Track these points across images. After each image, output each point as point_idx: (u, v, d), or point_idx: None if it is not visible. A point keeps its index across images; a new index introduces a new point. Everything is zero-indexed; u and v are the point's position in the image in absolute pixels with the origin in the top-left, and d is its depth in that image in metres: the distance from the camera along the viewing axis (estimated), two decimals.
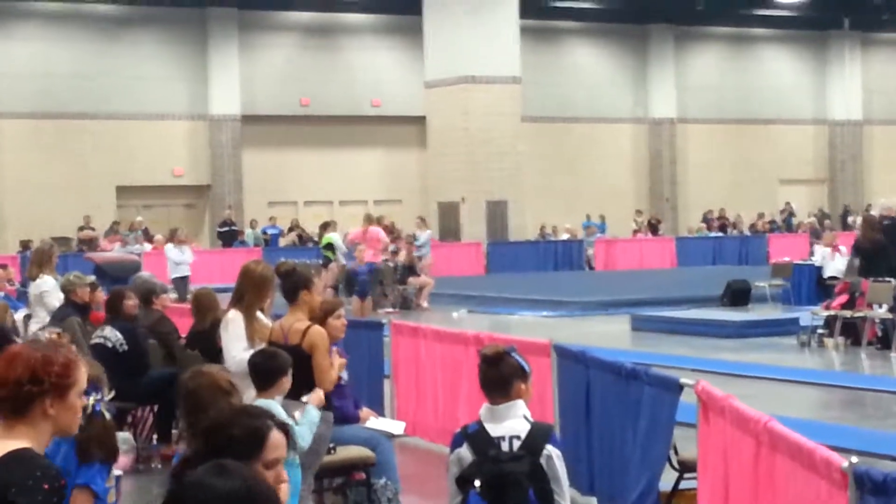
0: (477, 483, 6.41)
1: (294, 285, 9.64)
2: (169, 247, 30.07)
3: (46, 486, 3.78)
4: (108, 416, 6.09)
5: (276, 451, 4.25)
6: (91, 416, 5.84)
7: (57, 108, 43.37)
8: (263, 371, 8.20)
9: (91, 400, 5.80)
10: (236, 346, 9.61)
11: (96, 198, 43.46)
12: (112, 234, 39.34)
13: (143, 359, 13.12)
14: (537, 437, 6.54)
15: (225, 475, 3.53)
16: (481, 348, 7.01)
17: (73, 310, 14.08)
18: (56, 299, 15.06)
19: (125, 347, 12.87)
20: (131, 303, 13.40)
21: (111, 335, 12.92)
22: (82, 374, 4.15)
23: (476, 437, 6.55)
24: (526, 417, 6.62)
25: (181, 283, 29.23)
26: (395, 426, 10.60)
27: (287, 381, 8.17)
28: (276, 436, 4.28)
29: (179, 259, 29.50)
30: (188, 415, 6.51)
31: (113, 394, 11.78)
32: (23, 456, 3.88)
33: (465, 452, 6.55)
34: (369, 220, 30.38)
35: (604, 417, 9.92)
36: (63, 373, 4.07)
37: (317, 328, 9.37)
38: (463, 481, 6.48)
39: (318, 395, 8.73)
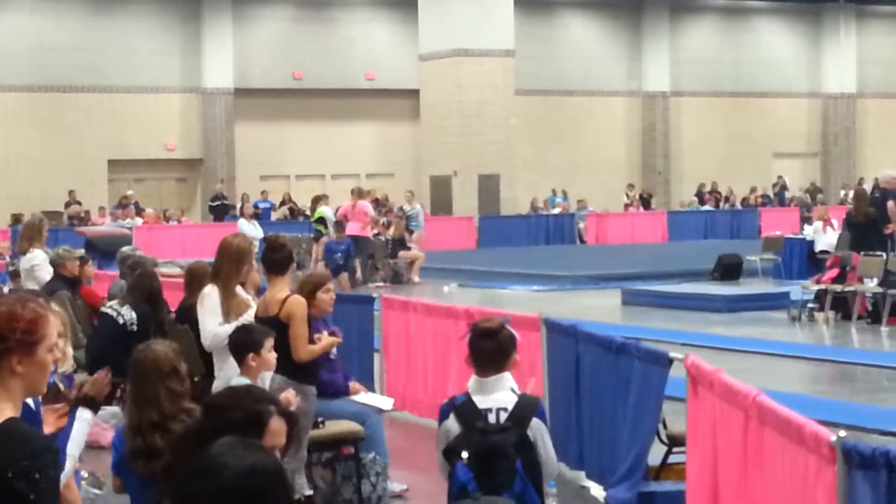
0: (464, 454, 6.43)
1: (285, 259, 9.62)
2: (242, 221, 29.45)
3: (41, 462, 3.71)
4: (62, 387, 6.08)
5: (275, 438, 4.22)
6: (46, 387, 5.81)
7: (49, 81, 43.27)
8: (236, 348, 8.16)
9: None
10: (211, 321, 9.53)
11: (88, 171, 43.40)
12: (121, 209, 39.29)
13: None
14: (524, 409, 6.58)
15: (255, 450, 3.53)
16: (475, 322, 7.02)
17: (63, 283, 14.05)
18: (47, 273, 15.02)
19: (135, 328, 12.83)
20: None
21: (126, 313, 12.85)
22: (51, 328, 3.97)
23: (463, 408, 6.59)
24: (513, 390, 6.66)
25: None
26: (384, 402, 10.60)
27: (258, 359, 8.07)
28: (276, 423, 4.24)
29: (253, 234, 28.93)
30: (133, 386, 6.56)
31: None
32: (9, 432, 3.77)
33: (453, 424, 6.58)
34: (358, 193, 30.25)
35: (593, 391, 9.92)
36: (29, 328, 3.90)
37: (296, 297, 9.33)
38: (450, 453, 6.51)
39: (286, 395, 8.66)
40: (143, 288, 13.11)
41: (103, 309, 13.11)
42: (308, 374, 9.17)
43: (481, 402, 6.58)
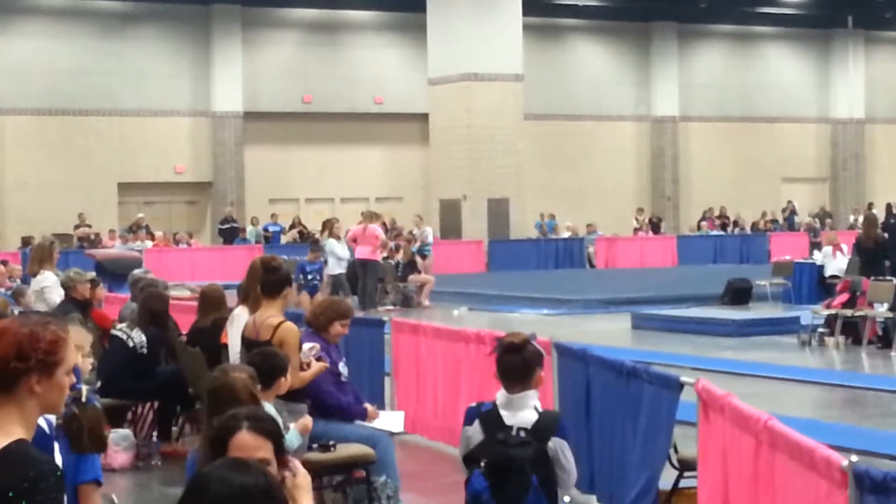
0: (482, 463, 6.52)
1: (280, 281, 9.65)
2: (331, 242, 29.11)
3: (43, 485, 3.75)
4: (98, 406, 6.10)
5: (240, 451, 4.25)
6: (84, 405, 5.83)
7: (60, 105, 43.41)
8: (261, 371, 8.16)
9: (84, 389, 5.79)
10: (239, 343, 9.61)
11: (98, 194, 43.51)
12: (130, 234, 39.33)
13: (156, 365, 13.09)
14: (545, 425, 6.71)
15: (243, 471, 3.56)
16: (501, 337, 7.07)
17: (74, 306, 14.05)
18: (57, 295, 15.04)
19: (144, 351, 12.85)
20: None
21: (136, 336, 12.86)
22: (70, 351, 4.06)
23: (488, 416, 6.71)
24: (535, 408, 6.76)
25: (340, 280, 28.57)
26: (395, 421, 10.58)
27: (285, 383, 8.13)
28: (242, 436, 4.28)
29: (343, 255, 28.72)
30: (210, 414, 6.52)
31: (99, 384, 11.78)
32: (15, 453, 3.81)
33: (476, 430, 6.67)
34: (369, 217, 30.23)
35: (604, 415, 9.91)
36: (50, 349, 3.97)
37: (289, 324, 9.37)
38: (469, 460, 6.59)
39: (304, 422, 8.69)
40: (147, 310, 13.15)
41: (113, 332, 13.14)
42: (297, 393, 9.18)
43: (508, 418, 6.69)
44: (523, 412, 6.71)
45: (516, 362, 6.76)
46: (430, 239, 34.13)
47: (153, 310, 13.13)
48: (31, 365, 3.95)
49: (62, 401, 4.08)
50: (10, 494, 3.70)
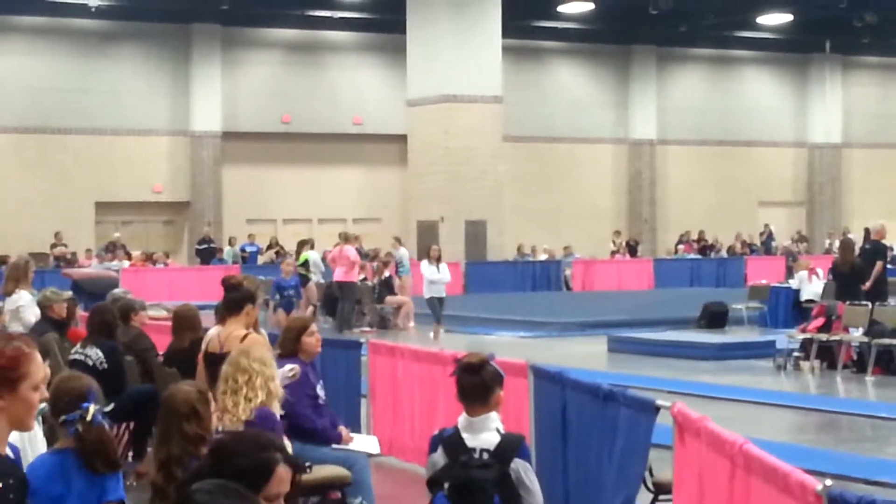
0: (446, 486, 6.52)
1: (241, 298, 9.67)
2: (424, 264, 28.68)
3: (11, 495, 3.79)
4: (107, 426, 6.10)
5: (281, 485, 4.23)
6: (89, 425, 5.82)
7: (38, 123, 43.31)
8: None
9: (92, 409, 5.79)
10: None
11: (75, 213, 43.40)
12: (106, 253, 39.17)
13: (122, 378, 13.02)
14: (507, 447, 6.68)
15: (242, 501, 3.56)
16: (459, 358, 7.06)
17: (50, 325, 14.01)
18: (32, 314, 14.97)
19: (105, 366, 12.78)
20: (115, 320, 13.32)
21: (92, 353, 12.81)
22: (35, 367, 4.12)
23: (450, 441, 6.70)
24: (498, 430, 6.73)
25: (437, 304, 28.09)
26: (370, 444, 10.58)
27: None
28: (282, 470, 4.26)
29: (435, 277, 28.19)
30: (157, 424, 6.54)
31: (112, 406, 11.73)
32: None
33: (439, 456, 6.66)
34: (345, 238, 30.23)
35: (580, 438, 9.91)
36: (9, 365, 4.05)
37: (255, 336, 9.39)
38: (433, 484, 6.59)
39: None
40: (94, 323, 13.10)
41: (71, 357, 13.02)
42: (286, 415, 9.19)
43: (470, 441, 6.67)
44: (485, 434, 6.69)
45: (474, 382, 6.74)
46: (407, 261, 34.06)
47: (98, 323, 13.05)
48: None
49: (30, 417, 4.14)
50: None
